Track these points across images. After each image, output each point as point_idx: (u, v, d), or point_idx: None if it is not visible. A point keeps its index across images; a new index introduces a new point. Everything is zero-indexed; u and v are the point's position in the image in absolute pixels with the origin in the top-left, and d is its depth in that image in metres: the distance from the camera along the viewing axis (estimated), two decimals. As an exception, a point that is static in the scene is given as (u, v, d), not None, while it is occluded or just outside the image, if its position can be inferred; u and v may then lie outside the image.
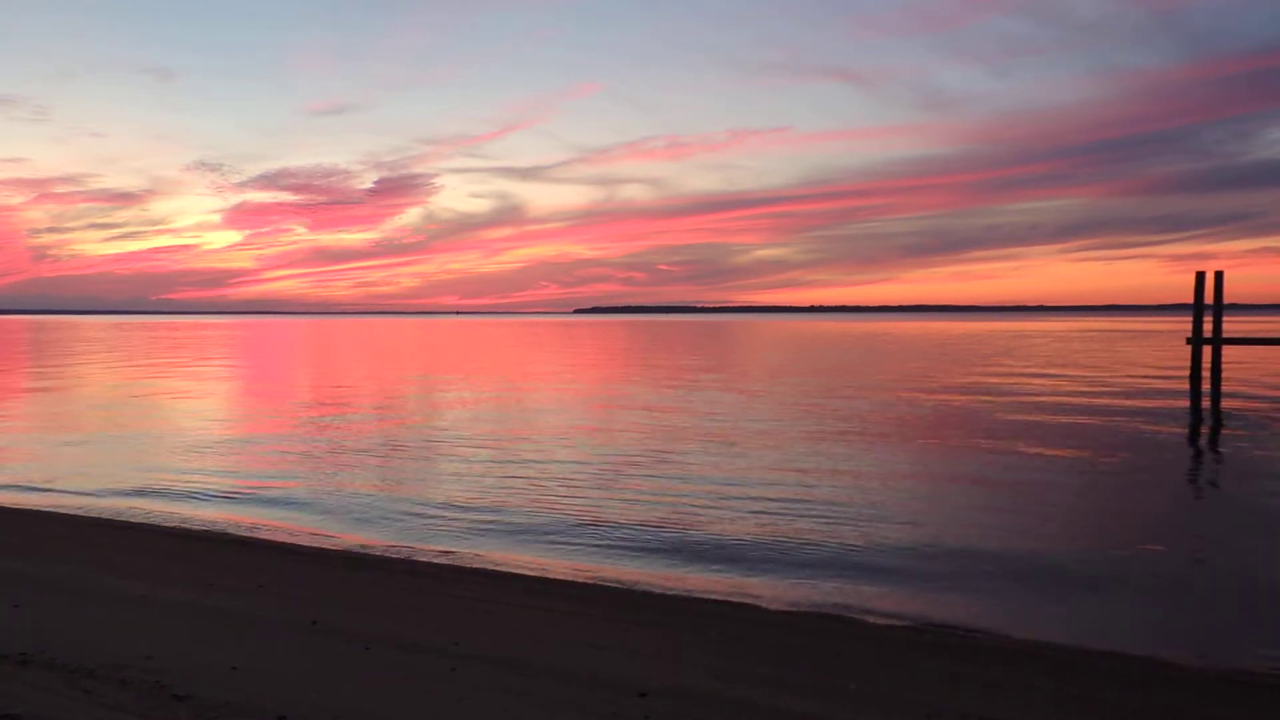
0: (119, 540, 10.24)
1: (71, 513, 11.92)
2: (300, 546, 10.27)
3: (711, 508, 11.97)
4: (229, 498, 12.95)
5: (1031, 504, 12.22)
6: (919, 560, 9.53)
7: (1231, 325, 42.15)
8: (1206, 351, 29.34)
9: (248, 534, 10.88)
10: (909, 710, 5.45)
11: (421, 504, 12.38)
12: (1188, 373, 29.97)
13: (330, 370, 41.91)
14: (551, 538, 10.53)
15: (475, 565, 9.43)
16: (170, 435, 19.44)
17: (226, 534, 10.86)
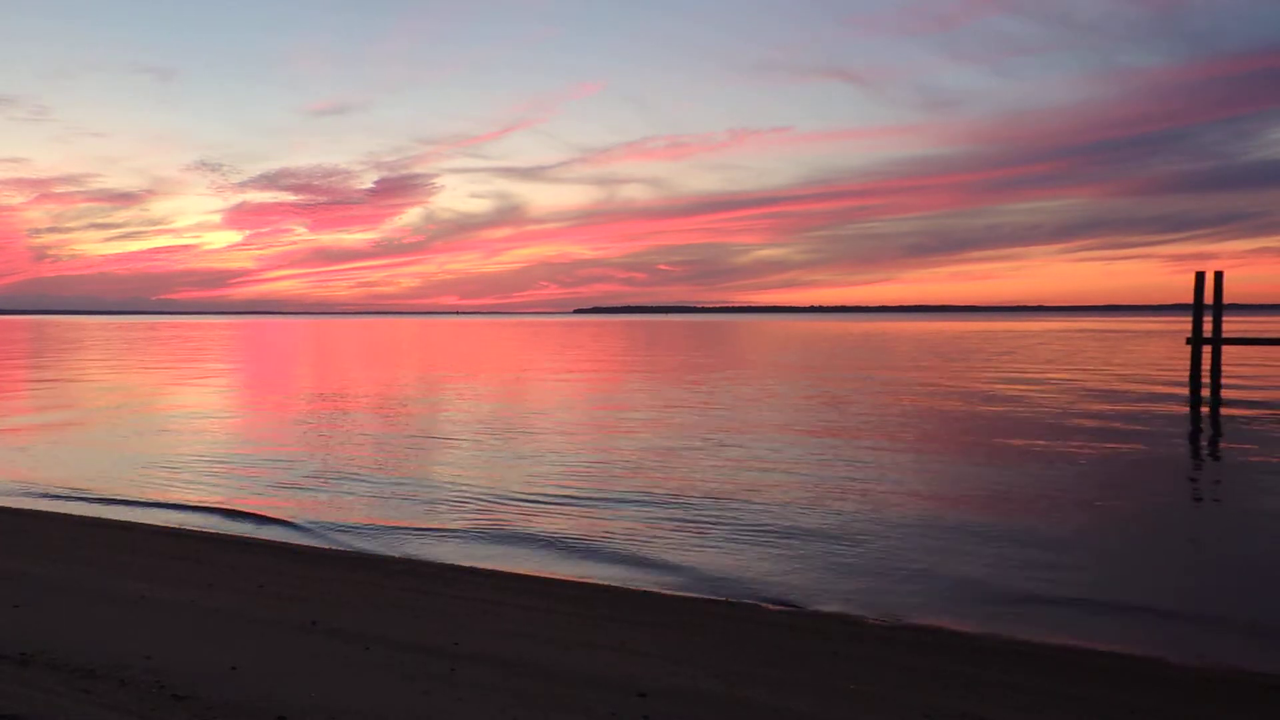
0: (119, 540, 10.23)
1: (71, 513, 11.91)
2: (300, 546, 10.27)
3: (713, 507, 11.97)
4: (228, 498, 12.94)
5: (1029, 505, 12.22)
6: (918, 560, 9.54)
7: (1231, 325, 42.21)
8: (1206, 351, 29.39)
9: (248, 534, 10.88)
10: (908, 710, 5.45)
11: (422, 503, 12.39)
12: (1188, 373, 30.02)
13: (333, 369, 41.90)
14: (552, 537, 10.53)
15: (475, 565, 9.42)
16: (171, 434, 19.44)
17: (226, 534, 10.86)
